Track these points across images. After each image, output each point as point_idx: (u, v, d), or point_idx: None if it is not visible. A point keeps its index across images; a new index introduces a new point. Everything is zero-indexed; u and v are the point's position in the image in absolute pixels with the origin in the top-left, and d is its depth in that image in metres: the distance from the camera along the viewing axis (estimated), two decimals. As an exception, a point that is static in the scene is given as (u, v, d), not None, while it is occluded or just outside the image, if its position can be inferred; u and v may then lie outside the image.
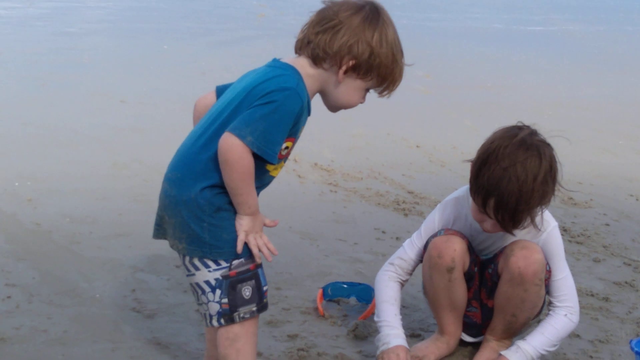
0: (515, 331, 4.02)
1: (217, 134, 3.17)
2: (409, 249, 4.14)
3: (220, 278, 3.23)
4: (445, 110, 9.36)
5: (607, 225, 6.37)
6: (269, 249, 3.27)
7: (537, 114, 8.80)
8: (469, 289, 4.06)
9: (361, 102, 3.45)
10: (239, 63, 11.28)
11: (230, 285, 3.24)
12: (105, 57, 11.24)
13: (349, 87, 3.37)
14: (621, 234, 6.21)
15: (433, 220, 4.11)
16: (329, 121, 8.04)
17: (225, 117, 3.20)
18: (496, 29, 16.62)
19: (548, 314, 3.99)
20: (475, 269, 4.02)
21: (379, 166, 7.23)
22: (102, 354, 3.81)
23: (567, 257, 4.96)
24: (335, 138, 8.06)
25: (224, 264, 3.23)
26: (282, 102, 3.15)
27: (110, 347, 3.89)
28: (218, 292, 3.24)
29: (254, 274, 3.27)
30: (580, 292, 5.01)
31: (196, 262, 3.25)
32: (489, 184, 3.65)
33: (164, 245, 5.11)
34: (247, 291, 3.26)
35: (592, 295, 5.01)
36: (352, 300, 4.71)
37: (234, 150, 3.10)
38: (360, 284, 4.76)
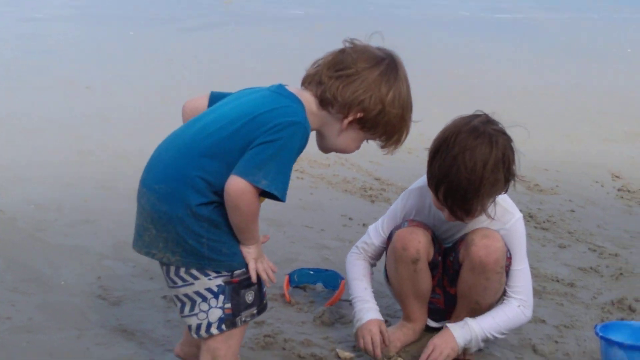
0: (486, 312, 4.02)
1: (212, 153, 3.08)
2: (374, 236, 4.14)
3: (223, 284, 3.18)
4: (415, 97, 9.36)
5: (573, 211, 6.40)
6: (272, 270, 3.25)
7: (503, 101, 8.83)
8: (433, 277, 4.06)
9: (356, 149, 3.40)
10: (207, 50, 11.28)
11: (233, 290, 3.19)
12: (71, 43, 11.17)
13: (350, 136, 3.30)
14: (586, 220, 6.25)
15: (396, 210, 4.12)
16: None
17: (224, 137, 3.09)
18: (463, 17, 16.65)
19: (502, 302, 3.99)
20: (439, 257, 4.03)
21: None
22: (67, 341, 3.79)
23: (533, 243, 5.01)
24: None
25: (224, 272, 3.18)
26: (291, 138, 3.07)
27: (76, 334, 3.87)
28: (221, 297, 3.18)
29: (257, 280, 3.23)
30: (546, 278, 5.04)
31: (194, 272, 3.17)
32: (440, 173, 3.65)
33: (129, 232, 5.10)
34: (250, 296, 3.22)
35: (558, 281, 5.04)
36: (319, 286, 4.71)
37: (246, 196, 3.02)
38: (326, 270, 4.76)
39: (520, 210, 4.03)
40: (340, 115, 3.23)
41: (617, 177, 7.50)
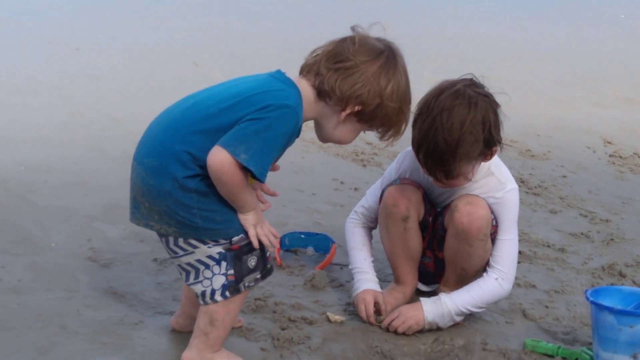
0: (467, 282, 3.99)
1: (200, 128, 3.10)
2: (371, 198, 4.15)
3: (223, 251, 3.20)
4: (406, 61, 9.32)
5: (564, 177, 6.41)
6: (273, 235, 3.27)
7: (495, 65, 8.80)
8: (423, 238, 4.06)
9: (353, 140, 3.43)
10: (198, 12, 11.20)
11: (235, 256, 3.21)
12: (60, 3, 11.07)
13: (347, 128, 3.32)
14: (578, 185, 6.26)
15: (391, 171, 4.12)
16: (286, 71, 7.99)
17: (213, 113, 3.11)
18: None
19: (482, 274, 3.99)
20: (430, 218, 4.02)
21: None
22: (57, 302, 3.78)
23: (524, 208, 5.01)
24: (294, 88, 8.02)
25: (222, 241, 3.19)
26: (278, 120, 3.08)
27: (66, 296, 3.85)
28: (224, 264, 3.20)
29: (259, 245, 3.25)
30: (537, 243, 5.05)
31: (192, 241, 3.20)
32: (419, 134, 3.65)
33: (120, 194, 5.07)
34: (252, 261, 3.25)
35: (549, 246, 5.05)
36: (310, 250, 4.71)
37: (227, 168, 3.02)
38: (317, 234, 4.75)
39: (512, 176, 4.01)
40: (337, 108, 3.25)
41: (609, 142, 7.51)
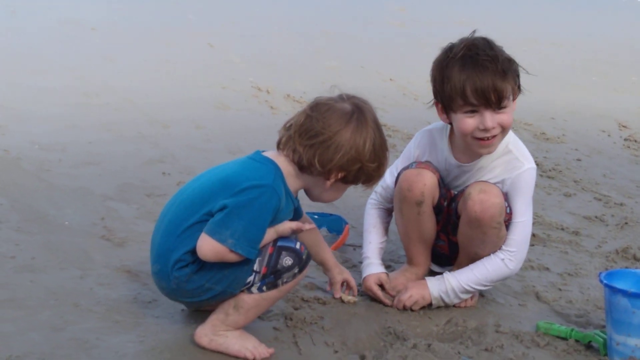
0: (472, 264, 4.02)
1: (190, 224, 3.25)
2: (389, 178, 4.14)
3: (259, 283, 3.32)
4: (420, 44, 9.31)
5: (579, 160, 6.39)
6: (295, 227, 3.38)
7: (512, 50, 8.75)
8: (437, 222, 4.06)
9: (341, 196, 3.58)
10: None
11: (271, 273, 3.31)
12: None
13: (334, 189, 3.47)
14: (592, 169, 6.24)
15: (409, 148, 4.12)
16: (302, 53, 7.98)
17: (197, 205, 3.27)
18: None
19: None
20: (445, 202, 4.01)
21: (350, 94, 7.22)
22: (70, 280, 3.79)
23: (538, 191, 4.99)
24: (308, 70, 8.02)
25: (250, 278, 3.30)
26: (256, 199, 3.20)
27: (79, 274, 3.86)
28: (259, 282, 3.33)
29: (279, 248, 3.31)
30: (551, 226, 5.03)
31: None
32: (461, 74, 3.69)
33: (134, 174, 5.10)
34: (288, 261, 3.31)
35: (562, 229, 5.04)
36: (323, 230, 4.70)
37: (219, 254, 3.18)
38: (331, 214, 4.76)
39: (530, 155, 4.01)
40: (321, 177, 3.38)
41: (624, 126, 7.48)
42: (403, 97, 7.58)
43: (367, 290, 4.00)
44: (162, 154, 5.61)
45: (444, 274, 3.96)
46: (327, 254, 3.88)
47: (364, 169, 3.37)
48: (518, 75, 3.78)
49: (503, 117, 3.74)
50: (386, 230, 4.21)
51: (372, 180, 3.47)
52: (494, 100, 3.68)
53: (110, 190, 4.89)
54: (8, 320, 3.37)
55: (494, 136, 3.75)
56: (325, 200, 3.55)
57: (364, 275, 4.04)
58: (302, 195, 3.52)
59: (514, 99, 3.79)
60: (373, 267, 4.05)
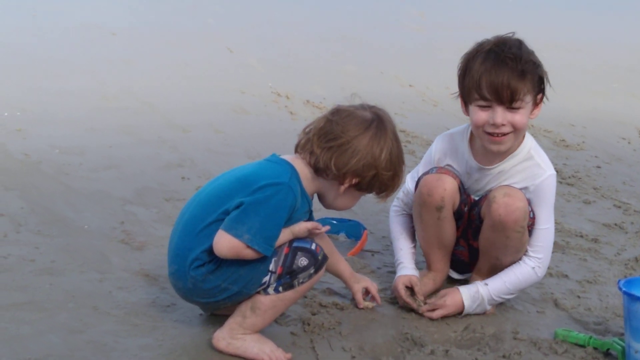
0: (500, 272, 4.00)
1: (208, 223, 3.28)
2: (410, 183, 4.14)
3: (274, 283, 3.33)
4: (439, 49, 9.30)
5: (599, 167, 6.37)
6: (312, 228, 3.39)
7: (531, 55, 8.74)
8: (457, 227, 4.05)
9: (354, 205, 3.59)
10: (233, -2, 11.17)
11: (287, 273, 3.32)
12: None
13: (348, 197, 3.49)
14: (612, 176, 6.21)
15: (430, 153, 4.12)
16: (321, 58, 7.98)
17: (215, 204, 3.30)
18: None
19: (519, 260, 3.97)
20: (465, 208, 4.01)
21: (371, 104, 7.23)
22: (89, 284, 3.80)
23: (558, 198, 4.96)
24: (327, 75, 8.02)
25: (266, 279, 3.31)
26: (272, 196, 3.23)
27: (98, 277, 3.88)
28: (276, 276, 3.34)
29: (294, 249, 3.32)
30: (570, 233, 5.02)
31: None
32: (481, 66, 3.73)
33: (153, 178, 5.11)
34: (303, 261, 3.32)
35: (582, 236, 5.02)
36: (342, 236, 4.71)
37: (235, 250, 3.20)
38: (350, 220, 4.76)
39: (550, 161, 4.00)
40: (336, 182, 3.39)
41: (644, 134, 7.44)
42: (422, 102, 7.57)
43: (394, 289, 4.00)
44: (182, 158, 5.63)
45: (477, 284, 3.95)
46: (342, 264, 3.89)
47: (379, 176, 3.38)
48: (542, 81, 3.79)
49: (516, 117, 3.73)
50: (413, 235, 4.21)
51: (386, 189, 3.48)
52: (507, 98, 3.69)
53: (130, 194, 4.91)
54: (27, 323, 3.39)
55: (505, 134, 3.75)
56: (338, 207, 3.55)
57: (397, 275, 4.04)
58: (316, 204, 3.53)
59: (535, 103, 3.80)
60: (406, 270, 4.05)
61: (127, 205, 4.75)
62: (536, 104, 3.82)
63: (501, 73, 3.69)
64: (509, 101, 3.69)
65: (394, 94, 7.63)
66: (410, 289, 3.97)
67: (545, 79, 3.80)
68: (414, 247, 4.19)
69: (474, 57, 3.77)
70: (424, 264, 4.20)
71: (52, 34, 8.36)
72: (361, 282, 3.91)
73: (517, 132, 3.78)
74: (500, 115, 3.72)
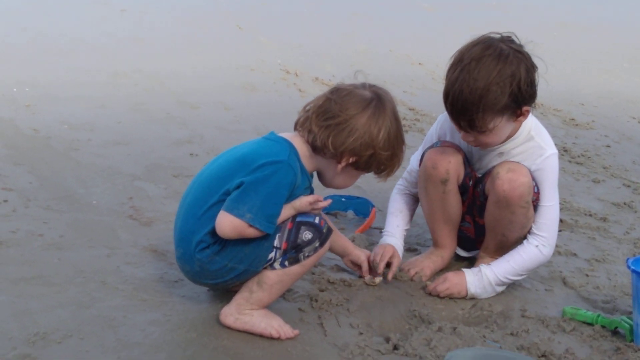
0: (507, 249, 3.98)
1: (210, 204, 3.28)
2: (414, 162, 4.14)
3: (280, 257, 3.33)
4: (449, 28, 9.27)
5: (608, 146, 6.35)
6: (314, 203, 3.35)
7: (542, 34, 8.71)
8: (463, 202, 4.04)
9: (354, 183, 3.58)
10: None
11: (292, 248, 3.31)
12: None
13: (346, 175, 3.47)
14: (622, 155, 6.20)
15: (432, 132, 4.11)
16: (331, 36, 7.96)
17: (215, 187, 3.29)
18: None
19: (524, 240, 3.96)
20: (470, 182, 3.99)
21: (380, 82, 7.21)
22: (97, 259, 3.81)
23: (566, 177, 4.96)
24: (337, 53, 8.00)
25: (271, 255, 3.31)
26: (272, 174, 3.22)
27: (106, 252, 3.88)
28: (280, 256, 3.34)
29: (298, 223, 3.31)
30: (579, 212, 5.01)
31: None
32: (448, 83, 3.64)
33: (162, 154, 5.11)
34: (307, 235, 3.32)
35: (591, 215, 5.01)
36: (350, 213, 4.71)
37: (237, 229, 3.20)
38: (358, 197, 4.75)
39: (555, 144, 3.97)
40: (334, 160, 3.38)
41: (655, 113, 7.42)
42: (432, 81, 7.55)
43: (383, 250, 3.96)
44: (191, 134, 5.63)
45: (481, 267, 3.93)
46: (344, 239, 3.91)
47: (377, 156, 3.37)
48: (516, 99, 3.60)
49: (482, 138, 3.71)
50: (411, 217, 4.20)
51: (385, 169, 3.46)
52: (465, 128, 3.67)
53: (139, 170, 4.92)
54: (35, 297, 3.40)
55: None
56: (337, 186, 3.54)
57: (386, 242, 4.03)
58: (316, 182, 3.52)
59: (515, 116, 3.69)
60: (396, 242, 4.05)
61: (135, 181, 4.75)
62: (517, 115, 3.69)
63: (457, 118, 3.65)
64: (470, 128, 3.66)
65: (403, 72, 7.63)
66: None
67: (520, 96, 3.60)
68: (408, 229, 4.18)
69: (448, 70, 3.65)
70: (430, 241, 4.19)
71: (61, 10, 8.37)
72: (365, 252, 3.93)
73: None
74: (465, 136, 3.73)
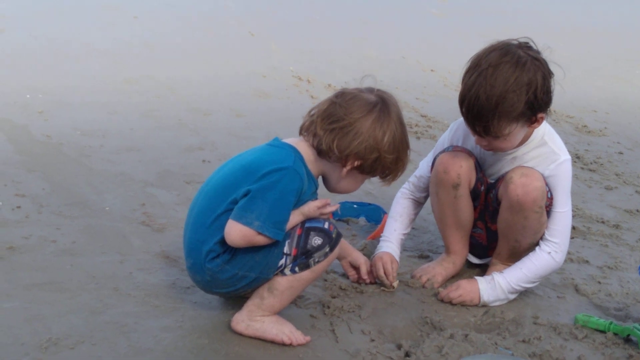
0: (520, 255, 3.98)
1: (218, 214, 3.27)
2: (425, 168, 4.14)
3: (290, 264, 3.33)
4: (461, 34, 9.27)
5: (621, 153, 6.33)
6: (323, 208, 3.34)
7: (553, 40, 8.70)
8: (475, 208, 4.04)
9: (358, 188, 3.57)
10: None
11: (302, 254, 3.31)
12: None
13: (351, 179, 3.46)
14: (634, 162, 6.19)
15: (444, 139, 4.10)
16: (343, 43, 7.96)
17: (222, 195, 3.29)
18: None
19: (536, 247, 3.95)
20: (482, 187, 3.99)
21: (392, 89, 7.20)
22: (110, 265, 3.81)
23: (579, 184, 4.95)
24: (348, 59, 8.01)
25: (282, 261, 3.31)
26: (280, 181, 3.22)
27: (119, 258, 3.89)
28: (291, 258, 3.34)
29: (307, 229, 3.31)
30: (591, 219, 5.00)
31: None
32: (464, 89, 3.63)
33: (174, 161, 5.12)
34: (317, 240, 3.32)
35: (603, 222, 5.00)
36: (362, 220, 4.71)
37: (247, 238, 3.19)
38: (370, 204, 4.75)
39: (568, 151, 3.96)
40: (338, 164, 3.37)
41: (667, 120, 7.41)
42: (444, 88, 7.55)
43: (382, 262, 3.94)
44: (202, 141, 5.64)
45: (494, 275, 3.92)
46: (342, 241, 3.91)
47: (382, 160, 3.36)
48: (532, 106, 3.60)
49: (496, 143, 3.71)
50: (411, 221, 4.19)
51: (390, 173, 3.45)
52: (480, 133, 3.67)
53: (151, 176, 4.93)
54: (48, 303, 3.40)
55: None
56: (341, 190, 3.52)
57: (381, 250, 4.02)
58: (322, 188, 3.53)
59: (530, 123, 3.69)
60: (392, 249, 4.04)
61: (147, 188, 4.76)
62: (532, 121, 3.69)
63: (472, 124, 3.65)
64: (485, 134, 3.66)
65: (415, 79, 7.62)
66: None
67: (536, 104, 3.60)
68: (407, 233, 4.17)
69: (464, 75, 3.65)
70: (442, 248, 4.19)
71: (73, 17, 8.39)
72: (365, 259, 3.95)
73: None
74: (479, 140, 3.73)
